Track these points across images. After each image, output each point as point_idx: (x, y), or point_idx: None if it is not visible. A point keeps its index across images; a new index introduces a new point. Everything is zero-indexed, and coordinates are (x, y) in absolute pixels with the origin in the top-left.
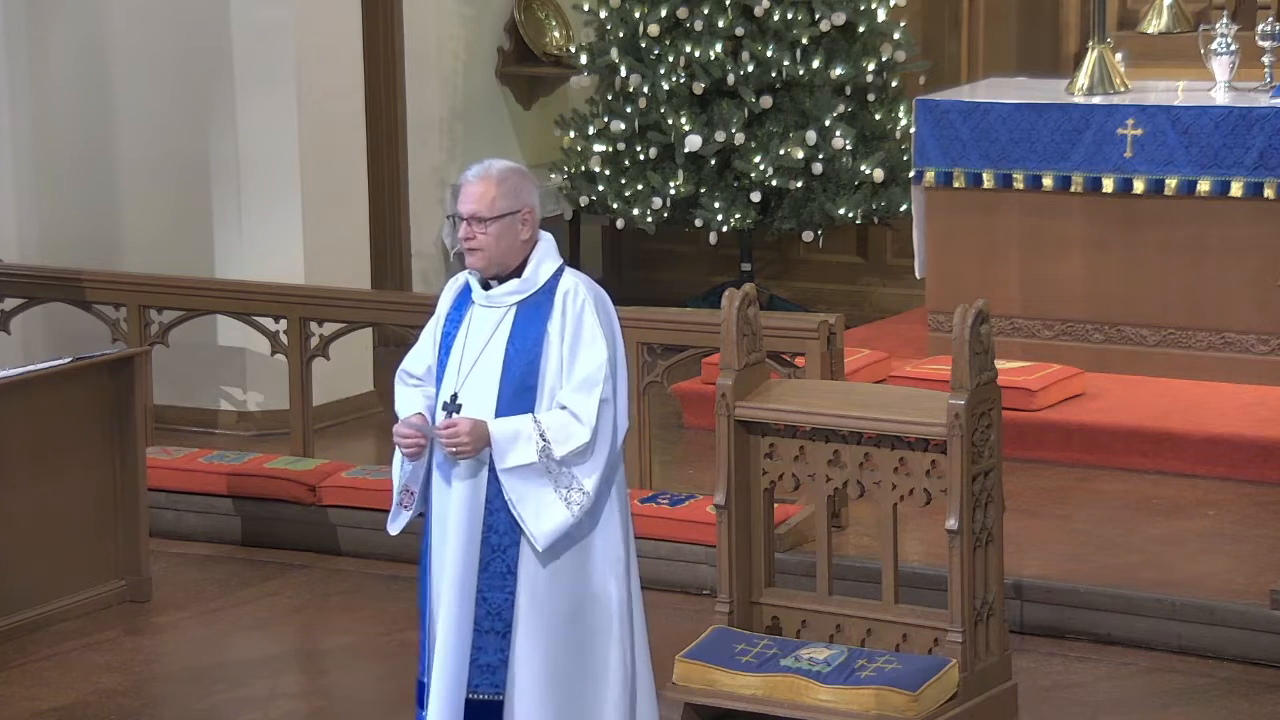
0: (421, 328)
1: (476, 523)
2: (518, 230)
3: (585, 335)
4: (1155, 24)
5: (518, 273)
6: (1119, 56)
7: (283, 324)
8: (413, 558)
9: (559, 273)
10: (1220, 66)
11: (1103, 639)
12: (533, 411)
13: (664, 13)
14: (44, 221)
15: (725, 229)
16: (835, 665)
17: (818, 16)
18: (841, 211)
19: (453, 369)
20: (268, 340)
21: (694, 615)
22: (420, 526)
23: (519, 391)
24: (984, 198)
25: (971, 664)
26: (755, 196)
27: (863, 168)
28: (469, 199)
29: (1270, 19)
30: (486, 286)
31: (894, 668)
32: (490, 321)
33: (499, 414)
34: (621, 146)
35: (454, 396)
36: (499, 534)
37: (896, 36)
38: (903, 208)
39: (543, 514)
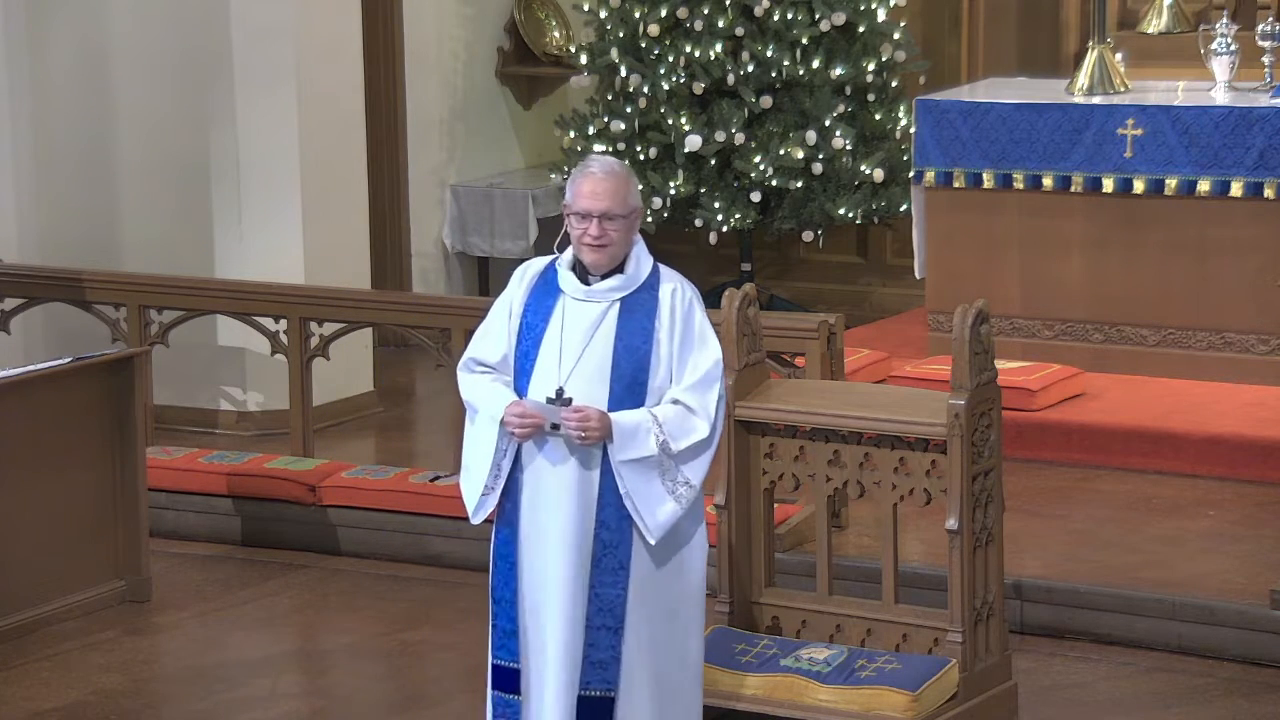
0: (421, 328)
1: (589, 519)
2: (635, 226)
3: (697, 334)
4: (1155, 24)
5: (620, 268)
6: (1119, 56)
7: (283, 324)
8: (412, 558)
9: (656, 269)
10: (1220, 66)
11: (1103, 639)
12: (643, 405)
13: (664, 13)
14: (44, 221)
15: (725, 229)
16: (835, 665)
17: (818, 16)
18: (841, 211)
19: (550, 362)
20: (268, 340)
21: None
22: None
23: (630, 387)
24: (984, 198)
25: (971, 664)
26: (755, 196)
27: (863, 168)
28: (603, 196)
29: (1270, 19)
30: (585, 280)
31: (894, 668)
32: (591, 316)
33: (610, 409)
34: (621, 146)
35: (560, 391)
36: (610, 530)
37: (896, 36)
38: (903, 208)
39: (655, 507)
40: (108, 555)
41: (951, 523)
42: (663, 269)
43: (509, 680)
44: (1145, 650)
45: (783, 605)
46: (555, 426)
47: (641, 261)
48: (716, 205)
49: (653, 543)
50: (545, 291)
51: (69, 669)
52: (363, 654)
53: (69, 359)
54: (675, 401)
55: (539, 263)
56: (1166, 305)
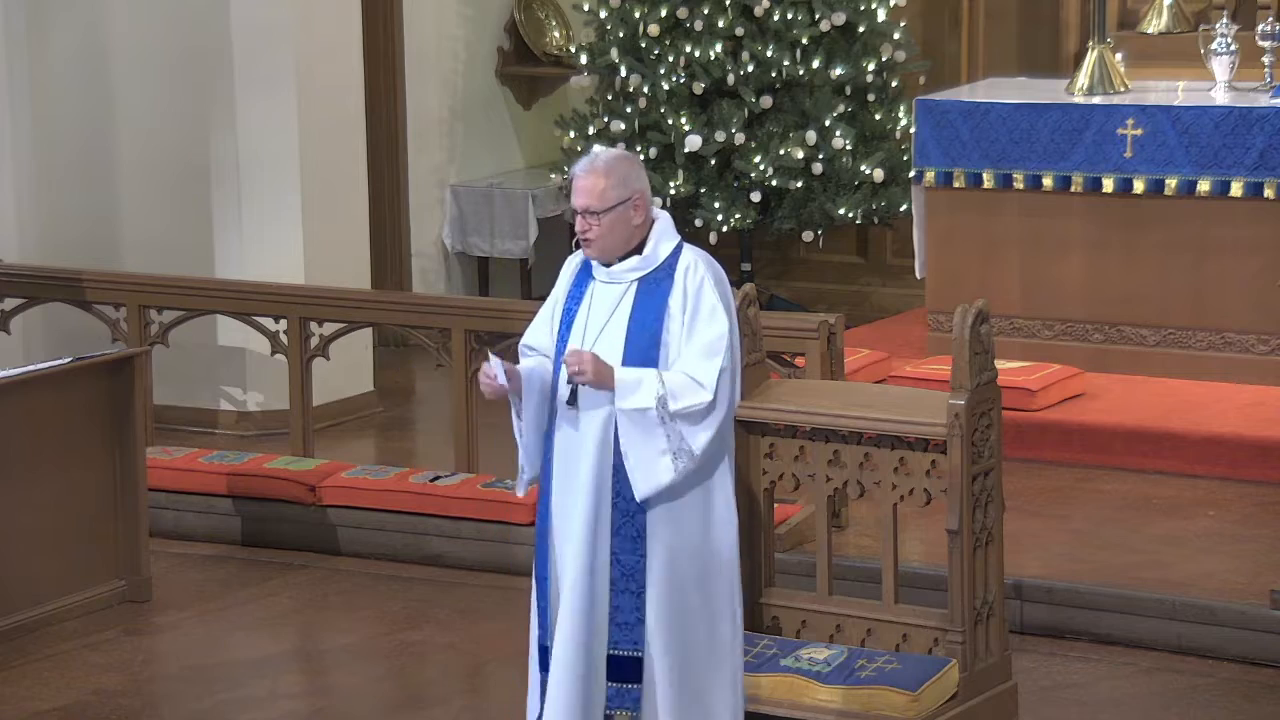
0: (421, 328)
1: (605, 487)
2: (630, 217)
3: (705, 308)
4: (1155, 24)
5: (638, 250)
6: (1119, 56)
7: (283, 324)
8: (412, 558)
9: (678, 249)
10: (1220, 66)
11: (1103, 639)
12: None
13: (664, 13)
14: (44, 221)
15: (725, 229)
16: (835, 665)
17: (818, 16)
18: (841, 211)
19: (575, 342)
20: (268, 340)
21: None
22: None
23: (642, 364)
24: (984, 198)
25: (971, 664)
26: (755, 196)
27: (863, 168)
28: (581, 192)
29: (1270, 19)
30: (607, 264)
31: (894, 668)
32: (612, 297)
33: None
34: (621, 146)
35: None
36: (627, 499)
37: (896, 36)
38: (903, 208)
39: (648, 467)
40: (108, 555)
41: (951, 523)
42: (687, 248)
43: (543, 659)
44: (1145, 650)
45: (783, 605)
46: (571, 399)
47: (661, 242)
48: (716, 205)
49: (638, 500)
50: (583, 277)
51: (69, 669)
52: (363, 654)
53: (69, 359)
54: (680, 370)
55: (582, 253)
56: (1166, 305)
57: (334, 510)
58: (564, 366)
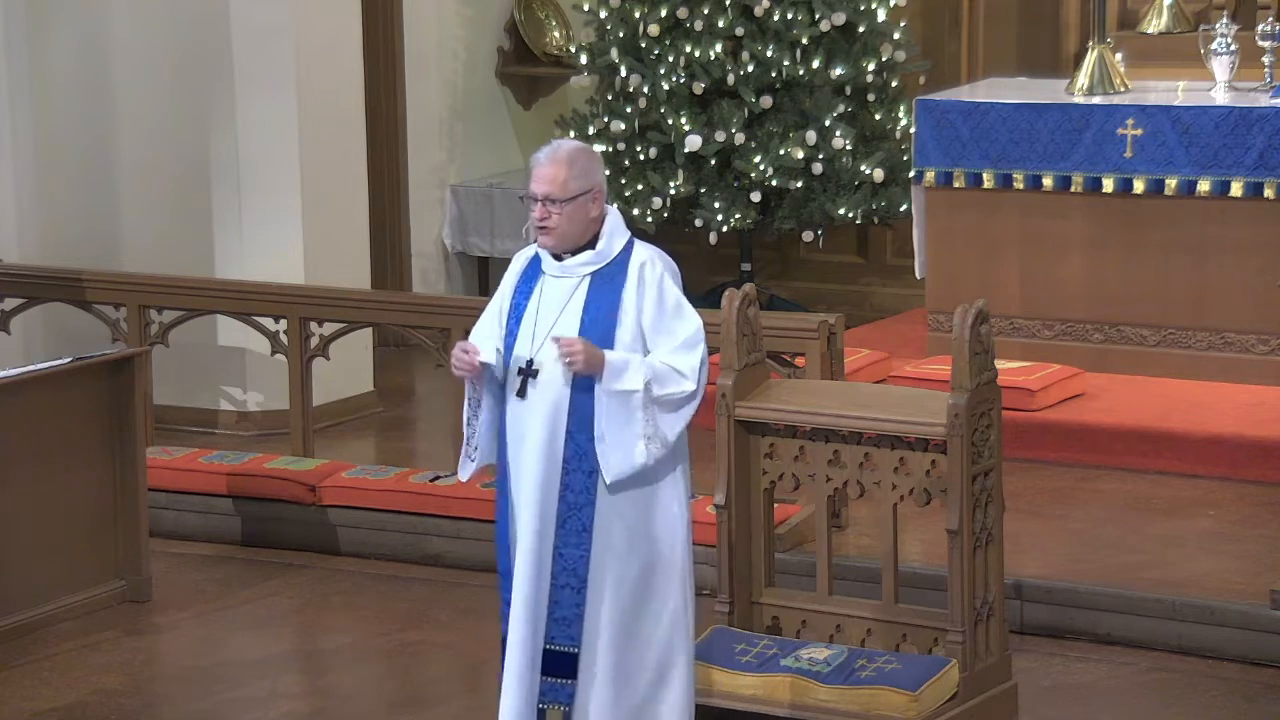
0: (421, 328)
1: (554, 482)
2: (588, 209)
3: (671, 304)
4: (1155, 24)
5: (590, 245)
6: (1119, 56)
7: (283, 324)
8: (412, 558)
9: (630, 245)
10: (1220, 66)
11: (1103, 639)
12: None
13: (664, 13)
14: (44, 221)
15: (725, 229)
16: (835, 665)
17: (818, 16)
18: (841, 211)
19: (525, 336)
20: (268, 340)
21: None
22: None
23: None
24: (984, 198)
25: (971, 664)
26: (755, 196)
27: (863, 168)
28: (542, 180)
29: (1270, 19)
30: (558, 258)
31: (894, 668)
32: (563, 291)
33: (575, 380)
34: (621, 146)
35: (530, 362)
36: (575, 493)
37: (896, 36)
38: (903, 208)
39: (625, 450)
40: (108, 555)
41: (951, 523)
42: (637, 244)
43: (504, 652)
44: (1145, 650)
45: (783, 605)
46: (529, 371)
47: (614, 237)
48: (716, 205)
49: (608, 482)
50: (530, 274)
51: (69, 669)
52: (363, 654)
53: (69, 359)
54: (660, 361)
55: (529, 250)
56: (1166, 305)
57: (334, 510)
58: (539, 354)
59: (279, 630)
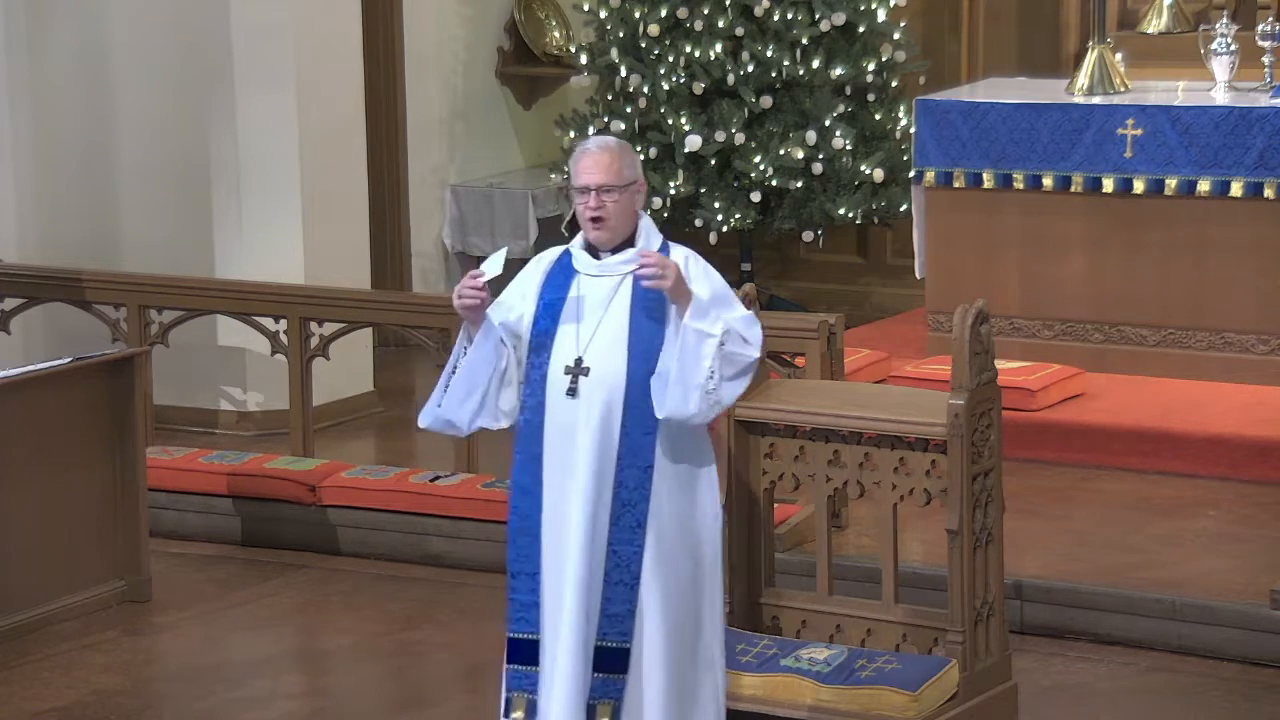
0: (421, 328)
1: (607, 478)
2: (635, 200)
3: (721, 291)
4: (1155, 24)
5: (630, 243)
6: (1119, 56)
7: (283, 324)
8: (412, 558)
9: (665, 244)
10: (1220, 66)
11: (1103, 639)
12: (653, 374)
13: (664, 13)
14: (44, 221)
15: (725, 229)
16: (835, 665)
17: (818, 16)
18: (841, 211)
19: (568, 335)
20: (268, 340)
21: None
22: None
23: (646, 355)
24: (984, 198)
25: (971, 664)
26: (755, 196)
27: (863, 168)
28: (597, 169)
29: (1270, 19)
30: (597, 256)
31: (894, 668)
32: (604, 290)
33: (629, 377)
34: None
35: (578, 360)
36: (629, 489)
37: (896, 36)
38: (903, 208)
39: (683, 389)
40: (108, 555)
41: (951, 523)
42: (671, 244)
43: (528, 652)
44: (1145, 650)
45: (783, 605)
46: (579, 369)
47: (650, 236)
48: (716, 205)
49: (660, 417)
50: (561, 273)
51: (69, 669)
52: (363, 654)
53: (69, 359)
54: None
55: (555, 250)
56: (1166, 305)
57: (334, 510)
58: (640, 258)
59: (279, 630)
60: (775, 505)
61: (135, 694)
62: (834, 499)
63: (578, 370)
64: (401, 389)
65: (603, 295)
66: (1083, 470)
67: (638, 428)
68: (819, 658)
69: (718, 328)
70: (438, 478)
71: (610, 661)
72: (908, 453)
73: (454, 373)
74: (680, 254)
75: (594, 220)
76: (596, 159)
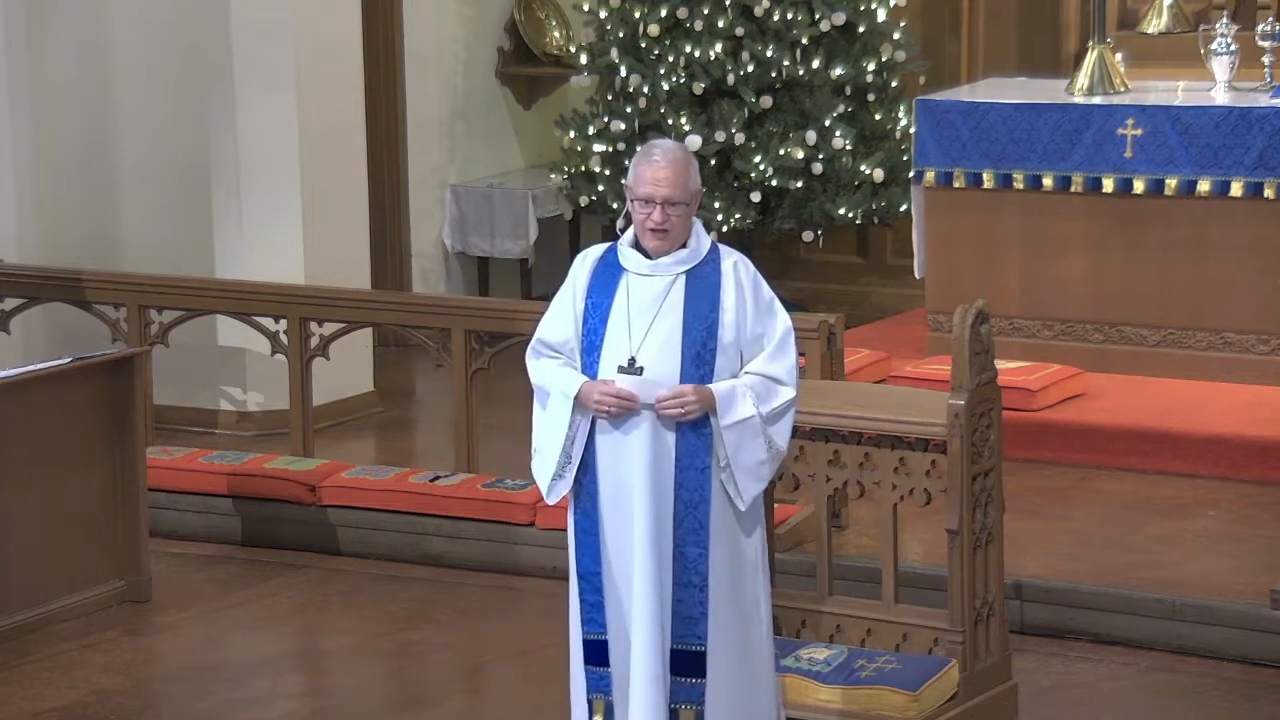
0: (421, 328)
1: (667, 482)
2: (695, 209)
3: (765, 304)
4: (1155, 24)
5: (682, 244)
6: (1119, 56)
7: (283, 324)
8: (412, 558)
9: (715, 245)
10: (1220, 66)
11: (1103, 639)
12: (712, 373)
13: (664, 13)
14: (44, 221)
15: (725, 229)
16: (835, 665)
17: (818, 16)
18: (841, 211)
19: (619, 335)
20: (268, 340)
21: None
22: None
23: (699, 356)
24: (984, 198)
25: (971, 664)
26: (755, 196)
27: (863, 168)
28: (665, 183)
29: (1270, 19)
30: (648, 256)
31: (894, 668)
32: (656, 289)
33: (683, 376)
34: (621, 146)
35: (632, 360)
36: (690, 490)
37: (896, 36)
38: (903, 208)
39: (752, 476)
40: (108, 555)
41: (951, 523)
42: (720, 245)
43: (599, 653)
44: (1145, 650)
45: (783, 605)
46: (632, 369)
47: (702, 237)
48: (716, 205)
49: (743, 509)
50: (608, 271)
51: (69, 669)
52: (363, 654)
53: (69, 359)
54: (756, 374)
55: (600, 247)
56: (1166, 305)
57: (334, 510)
58: (656, 403)
59: (279, 630)
60: (775, 505)
61: (135, 694)
62: (834, 499)
63: (631, 370)
64: (401, 389)
65: (654, 295)
66: (1083, 470)
67: (692, 429)
68: (819, 658)
69: (749, 406)
70: (438, 478)
71: (687, 665)
72: (908, 453)
73: (577, 435)
74: (732, 256)
75: (658, 231)
76: (664, 171)
